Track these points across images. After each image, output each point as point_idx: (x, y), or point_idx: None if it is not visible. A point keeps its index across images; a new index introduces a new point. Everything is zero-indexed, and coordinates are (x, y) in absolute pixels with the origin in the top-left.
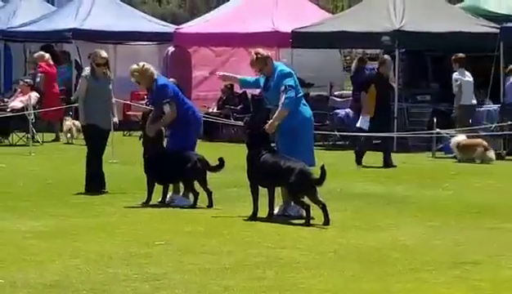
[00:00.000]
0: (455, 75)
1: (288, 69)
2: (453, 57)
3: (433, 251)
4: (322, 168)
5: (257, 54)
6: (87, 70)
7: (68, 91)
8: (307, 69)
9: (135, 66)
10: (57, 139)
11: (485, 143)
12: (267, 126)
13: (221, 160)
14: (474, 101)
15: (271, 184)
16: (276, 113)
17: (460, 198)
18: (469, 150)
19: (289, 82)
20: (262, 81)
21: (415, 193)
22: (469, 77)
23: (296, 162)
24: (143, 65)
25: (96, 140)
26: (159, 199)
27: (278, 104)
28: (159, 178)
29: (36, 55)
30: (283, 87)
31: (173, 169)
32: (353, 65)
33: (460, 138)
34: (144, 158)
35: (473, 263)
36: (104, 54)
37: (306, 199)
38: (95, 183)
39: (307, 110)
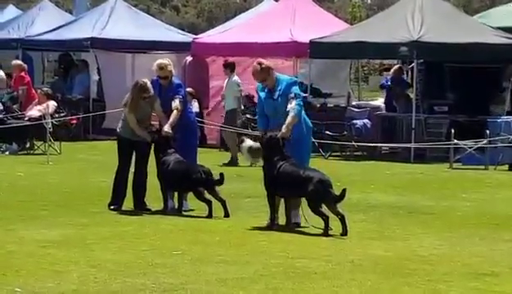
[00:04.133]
0: (236, 79)
1: (294, 78)
2: (224, 62)
3: (451, 262)
4: (343, 190)
5: (260, 64)
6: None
7: (86, 100)
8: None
9: (166, 61)
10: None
11: None
12: (282, 130)
13: (221, 175)
14: None
15: (288, 194)
16: (289, 118)
17: (479, 210)
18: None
19: (297, 90)
20: (261, 94)
21: (433, 203)
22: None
23: (315, 171)
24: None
25: (127, 152)
26: (176, 207)
27: (286, 112)
28: (170, 185)
29: (15, 62)
30: (292, 95)
31: (182, 180)
32: (391, 74)
33: (250, 143)
34: (157, 159)
35: (493, 274)
36: (151, 87)
37: (325, 210)
38: (120, 196)
39: (308, 120)
